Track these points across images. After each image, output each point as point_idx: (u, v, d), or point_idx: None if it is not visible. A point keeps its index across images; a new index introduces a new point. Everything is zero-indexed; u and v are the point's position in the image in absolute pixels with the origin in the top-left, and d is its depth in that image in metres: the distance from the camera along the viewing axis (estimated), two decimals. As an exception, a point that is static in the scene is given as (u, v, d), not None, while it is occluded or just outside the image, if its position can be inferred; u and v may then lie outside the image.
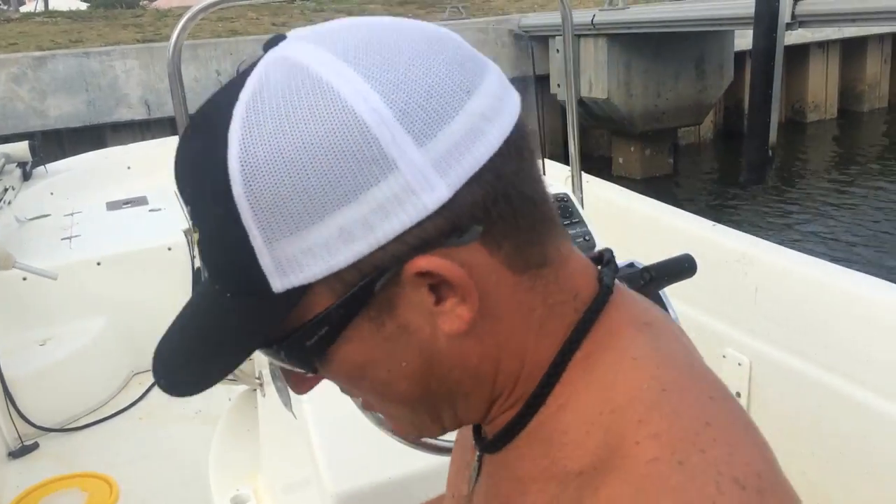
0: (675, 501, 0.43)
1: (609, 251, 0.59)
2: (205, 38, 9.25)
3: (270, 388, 1.55)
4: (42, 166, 3.81)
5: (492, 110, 0.48)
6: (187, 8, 1.59)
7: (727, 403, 0.50)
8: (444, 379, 0.52)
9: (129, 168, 3.87)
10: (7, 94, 7.85)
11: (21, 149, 3.69)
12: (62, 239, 3.10)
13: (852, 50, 11.72)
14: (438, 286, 0.47)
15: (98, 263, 2.83)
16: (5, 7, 20.13)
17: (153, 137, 4.85)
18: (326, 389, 1.23)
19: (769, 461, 0.47)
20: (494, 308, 0.50)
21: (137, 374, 3.03)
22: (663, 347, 0.53)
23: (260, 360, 1.65)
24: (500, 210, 0.48)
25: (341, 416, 1.19)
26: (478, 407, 0.55)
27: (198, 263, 2.79)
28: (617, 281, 0.57)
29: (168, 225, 2.91)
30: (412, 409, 0.55)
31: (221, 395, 2.29)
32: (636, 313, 0.55)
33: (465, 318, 0.48)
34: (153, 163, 3.85)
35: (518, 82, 1.78)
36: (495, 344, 0.51)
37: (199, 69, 8.50)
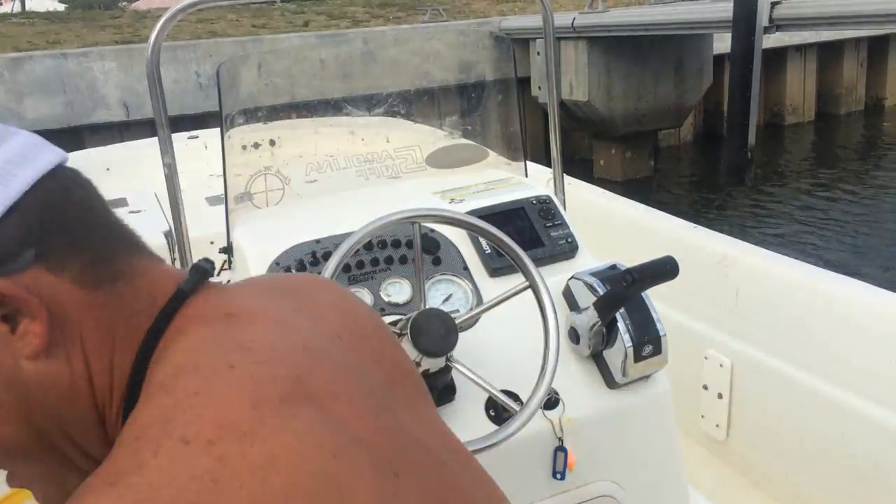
0: (117, 476, 0.44)
1: (203, 262, 0.63)
2: (185, 39, 9.18)
3: None
4: None
5: (20, 158, 0.55)
6: (167, 9, 1.58)
7: (259, 368, 0.51)
8: (44, 408, 0.53)
9: (108, 170, 3.82)
10: (-17, 95, 7.76)
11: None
12: None
13: (829, 53, 11.84)
14: (12, 315, 0.51)
15: None
16: (-19, 8, 19.89)
17: (132, 139, 4.80)
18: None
19: (261, 412, 0.47)
20: (73, 326, 0.53)
21: None
22: (227, 334, 0.55)
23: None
24: (53, 236, 0.53)
25: None
26: (92, 431, 0.56)
27: (178, 266, 2.76)
28: (216, 282, 0.61)
29: (148, 227, 2.87)
30: (38, 460, 0.56)
31: None
32: (218, 306, 0.58)
33: (39, 332, 0.51)
34: (132, 164, 3.80)
35: (499, 84, 1.77)
36: (82, 361, 0.54)
37: (179, 70, 8.43)
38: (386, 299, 1.41)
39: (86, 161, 4.07)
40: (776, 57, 11.08)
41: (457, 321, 1.18)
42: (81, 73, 8.14)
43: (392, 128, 1.93)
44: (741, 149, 5.38)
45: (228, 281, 2.91)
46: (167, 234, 2.75)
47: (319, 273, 1.18)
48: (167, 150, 1.54)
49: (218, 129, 1.62)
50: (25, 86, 7.93)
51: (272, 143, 1.77)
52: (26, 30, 11.10)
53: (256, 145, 1.76)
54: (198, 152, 3.66)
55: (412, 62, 2.10)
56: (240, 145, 1.70)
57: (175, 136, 4.41)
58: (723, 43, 8.92)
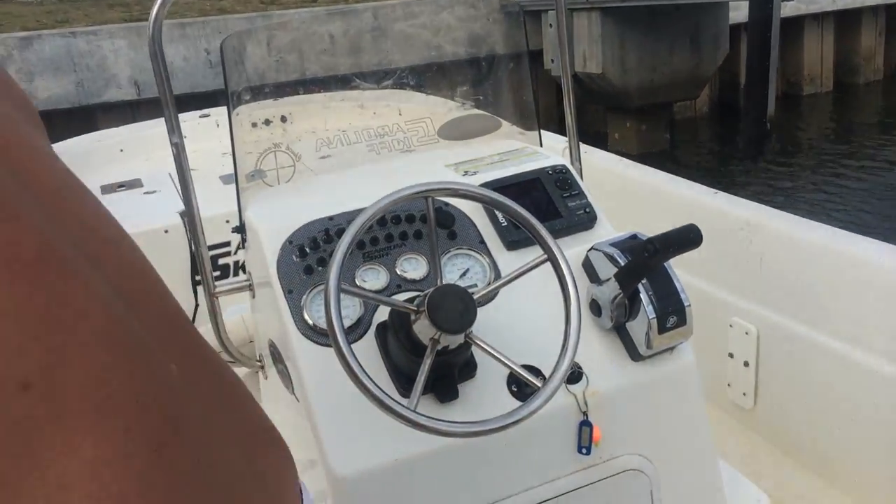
0: None
1: None
2: (193, 16, 9.13)
3: (272, 371, 1.52)
4: None
5: None
6: None
7: None
8: None
9: (122, 151, 3.82)
10: (-7, 75, 7.75)
11: (10, 133, 3.63)
12: None
13: (847, 22, 11.64)
14: None
15: None
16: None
17: (144, 118, 4.78)
18: (327, 372, 1.21)
19: None
20: None
21: None
22: None
23: (260, 343, 1.62)
24: None
25: (343, 399, 1.17)
26: None
27: (195, 246, 2.74)
28: None
29: (164, 207, 2.86)
30: None
31: None
32: None
33: None
34: (146, 145, 3.79)
35: (510, 53, 1.72)
36: None
37: (189, 48, 8.40)
38: (402, 275, 1.39)
39: (99, 143, 4.06)
40: (793, 26, 10.91)
41: (474, 296, 1.15)
42: (91, 52, 8.13)
43: (403, 100, 1.90)
44: (760, 120, 5.30)
45: (243, 262, 2.89)
46: (183, 214, 2.73)
47: (331, 253, 1.16)
48: (174, 129, 1.51)
49: None
50: (35, 65, 7.92)
51: (283, 119, 1.74)
52: (34, 9, 11.09)
53: (268, 122, 1.73)
54: (210, 131, 3.64)
55: (422, 36, 2.06)
56: (249, 122, 1.67)
57: (186, 114, 4.41)
58: (738, 12, 8.79)
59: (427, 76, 1.89)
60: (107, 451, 0.40)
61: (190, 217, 1.56)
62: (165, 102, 1.52)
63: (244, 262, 1.81)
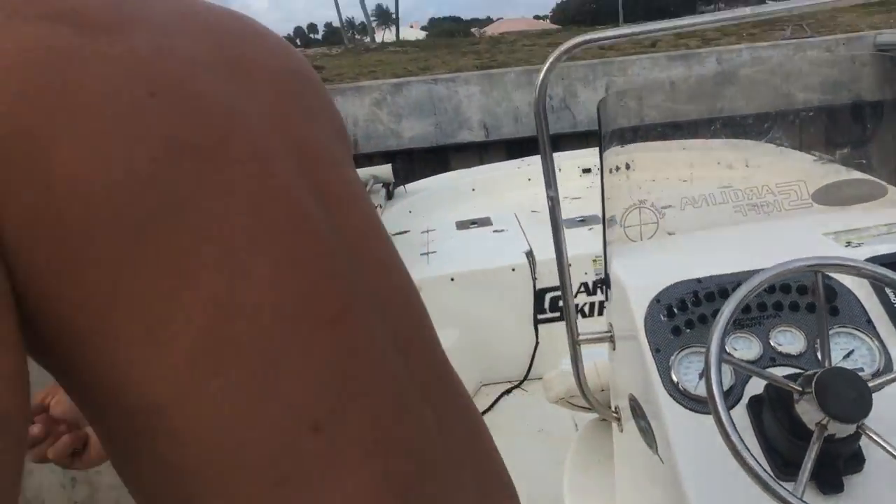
0: None
1: None
2: (537, 62, 9.68)
3: (629, 425, 1.54)
4: (402, 186, 4.28)
5: None
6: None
7: None
8: None
9: (473, 190, 4.17)
10: (370, 116, 8.96)
11: (385, 171, 4.19)
12: (421, 254, 3.38)
13: None
14: None
15: (451, 279, 3.04)
16: (363, 38, 22.97)
17: (490, 158, 5.20)
18: (697, 439, 1.20)
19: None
20: None
21: (484, 385, 3.07)
22: None
23: (617, 395, 1.66)
24: None
25: (713, 469, 1.15)
26: None
27: (539, 285, 2.90)
28: None
29: (511, 246, 3.06)
30: None
31: (565, 417, 2.33)
32: None
33: None
34: (494, 186, 4.10)
35: (889, 106, 1.51)
36: None
37: (531, 95, 8.92)
38: (776, 348, 1.33)
39: (455, 181, 4.50)
40: None
41: (868, 383, 1.07)
42: (449, 97, 9.02)
43: (770, 158, 1.83)
44: None
45: (590, 305, 2.96)
46: (528, 254, 2.90)
47: (700, 316, 1.16)
48: (551, 184, 1.62)
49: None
50: (403, 108, 9.01)
51: (627, 166, 1.77)
52: (401, 57, 12.60)
53: (617, 168, 1.77)
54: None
55: (773, 82, 1.96)
56: (606, 168, 1.73)
57: (526, 158, 4.67)
58: None
59: (796, 131, 1.80)
60: (364, 492, 0.45)
61: (560, 269, 1.64)
62: (545, 157, 1.63)
63: (604, 312, 1.86)
